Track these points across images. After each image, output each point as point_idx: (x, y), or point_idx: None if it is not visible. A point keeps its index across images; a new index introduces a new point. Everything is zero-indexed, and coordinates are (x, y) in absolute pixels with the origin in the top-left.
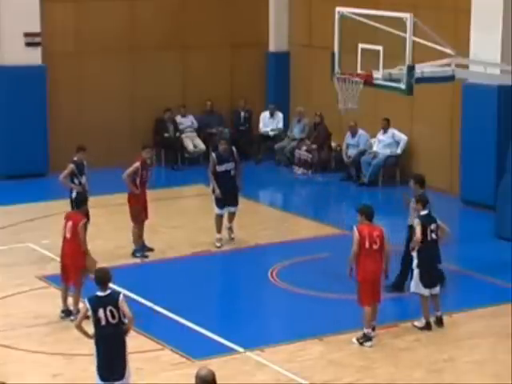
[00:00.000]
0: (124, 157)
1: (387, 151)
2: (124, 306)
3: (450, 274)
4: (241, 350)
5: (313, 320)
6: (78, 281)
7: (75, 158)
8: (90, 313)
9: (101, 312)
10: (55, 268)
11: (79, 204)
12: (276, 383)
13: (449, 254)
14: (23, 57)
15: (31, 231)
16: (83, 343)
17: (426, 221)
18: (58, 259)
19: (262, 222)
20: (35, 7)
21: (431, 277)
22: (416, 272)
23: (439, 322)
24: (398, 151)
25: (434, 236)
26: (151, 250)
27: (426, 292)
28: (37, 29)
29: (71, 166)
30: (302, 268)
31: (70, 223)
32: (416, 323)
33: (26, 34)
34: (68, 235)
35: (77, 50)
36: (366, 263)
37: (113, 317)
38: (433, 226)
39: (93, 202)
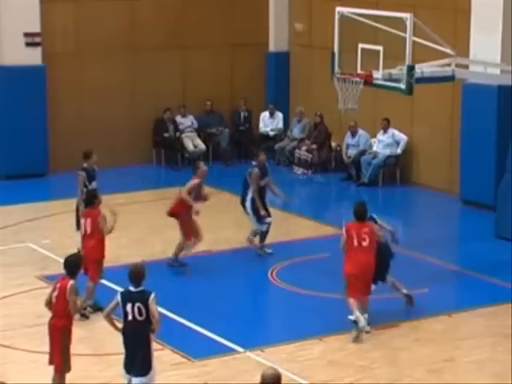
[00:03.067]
0: (124, 157)
1: (387, 151)
2: (153, 306)
3: (450, 274)
4: (241, 350)
5: (313, 320)
6: (96, 274)
7: (85, 165)
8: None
9: (129, 307)
10: (55, 268)
11: (88, 202)
12: None
13: (449, 253)
14: (23, 57)
15: (31, 231)
16: (83, 343)
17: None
18: (59, 259)
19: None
20: (35, 7)
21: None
22: None
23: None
24: (398, 151)
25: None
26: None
27: None
28: (37, 29)
29: (82, 175)
30: (301, 268)
31: (88, 220)
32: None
33: (26, 34)
34: (88, 230)
35: (77, 50)
36: (355, 257)
37: (140, 314)
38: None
39: None
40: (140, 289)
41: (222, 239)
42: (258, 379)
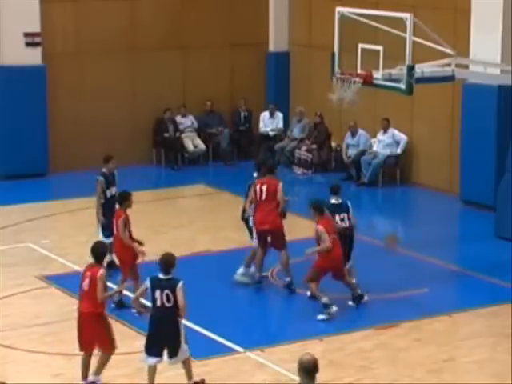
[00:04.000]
0: (124, 157)
1: (387, 151)
2: (180, 293)
3: (450, 274)
4: (241, 350)
5: (313, 320)
6: (124, 275)
7: (104, 170)
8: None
9: (157, 293)
10: (55, 268)
11: (120, 201)
12: (276, 383)
13: (449, 253)
14: (23, 57)
15: (31, 231)
16: None
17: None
18: (58, 259)
19: None
20: (35, 7)
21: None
22: None
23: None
24: (398, 151)
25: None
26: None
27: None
28: (37, 29)
29: (101, 180)
30: (301, 268)
31: (115, 221)
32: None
33: (26, 34)
34: (115, 231)
35: (77, 50)
36: (334, 253)
37: (168, 300)
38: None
39: (93, 202)
40: (169, 276)
41: (221, 239)
42: (258, 379)
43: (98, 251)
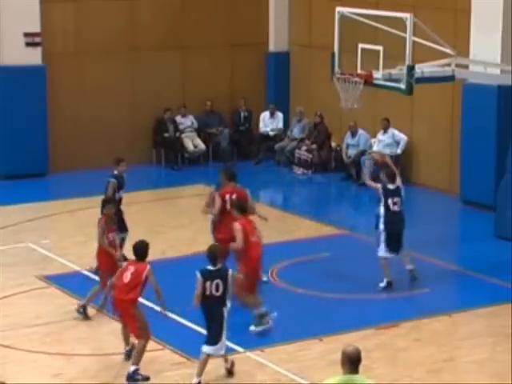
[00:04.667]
0: (124, 157)
1: (387, 151)
2: (230, 281)
3: (450, 274)
4: (241, 350)
5: (313, 320)
6: (103, 280)
7: (116, 172)
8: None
9: (208, 284)
10: (55, 268)
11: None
12: (276, 383)
13: (449, 253)
14: (23, 57)
15: (31, 231)
16: (83, 343)
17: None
18: (58, 259)
19: (262, 221)
20: (35, 7)
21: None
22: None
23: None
24: (398, 151)
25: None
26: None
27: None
28: (37, 29)
29: (113, 182)
30: (301, 268)
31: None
32: (381, 285)
33: (26, 34)
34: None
35: (77, 50)
36: (251, 254)
37: (217, 290)
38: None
39: (93, 202)
40: (218, 267)
41: None
42: (258, 379)
43: (141, 250)
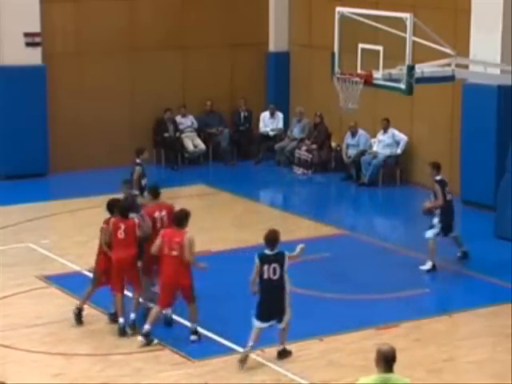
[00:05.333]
0: (124, 157)
1: (387, 151)
2: (286, 264)
3: (450, 274)
4: (241, 350)
5: (313, 320)
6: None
7: (138, 161)
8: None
9: (265, 268)
10: (55, 268)
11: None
12: (276, 383)
13: (449, 253)
14: (23, 57)
15: (31, 231)
16: (84, 343)
17: (443, 184)
18: (58, 259)
19: (262, 221)
20: (35, 7)
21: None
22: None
23: (465, 255)
24: (398, 151)
25: (450, 196)
26: None
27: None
28: (37, 29)
29: (138, 169)
30: (301, 268)
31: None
32: (422, 267)
33: (26, 34)
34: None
35: (77, 50)
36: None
37: (274, 273)
38: (447, 188)
39: (93, 202)
40: (275, 251)
41: (221, 239)
42: (258, 379)
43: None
